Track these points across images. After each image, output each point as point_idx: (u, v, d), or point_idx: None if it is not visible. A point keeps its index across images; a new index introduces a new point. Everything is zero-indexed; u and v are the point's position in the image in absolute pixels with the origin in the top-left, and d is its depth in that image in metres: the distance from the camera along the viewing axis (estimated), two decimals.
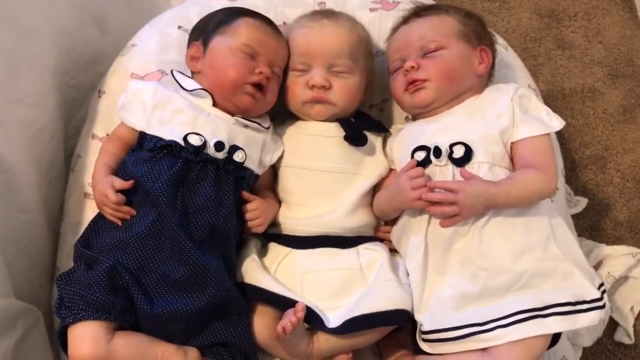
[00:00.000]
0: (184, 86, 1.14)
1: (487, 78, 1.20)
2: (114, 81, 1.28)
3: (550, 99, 1.72)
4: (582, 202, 1.54)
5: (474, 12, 1.23)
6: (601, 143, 1.69)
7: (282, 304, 1.07)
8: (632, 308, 1.44)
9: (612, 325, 1.44)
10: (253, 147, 1.14)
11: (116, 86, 1.26)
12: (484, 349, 1.01)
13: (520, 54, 1.45)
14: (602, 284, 1.07)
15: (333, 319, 1.07)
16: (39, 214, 1.22)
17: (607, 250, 1.46)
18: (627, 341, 1.44)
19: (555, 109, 1.14)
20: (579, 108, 1.73)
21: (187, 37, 1.24)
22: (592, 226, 1.58)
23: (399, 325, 1.09)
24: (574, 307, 1.02)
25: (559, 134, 1.14)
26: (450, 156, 1.08)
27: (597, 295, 1.03)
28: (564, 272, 1.04)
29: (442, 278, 1.07)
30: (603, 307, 1.03)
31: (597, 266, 1.43)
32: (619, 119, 1.72)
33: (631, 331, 1.44)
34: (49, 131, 1.26)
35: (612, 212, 1.60)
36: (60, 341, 1.01)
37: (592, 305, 1.02)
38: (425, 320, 1.05)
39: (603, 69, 1.78)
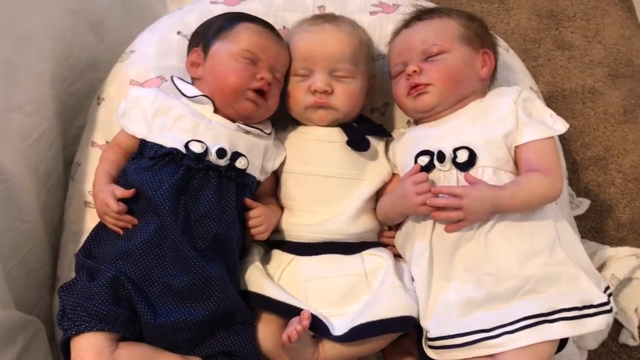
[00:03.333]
0: (184, 92, 1.13)
1: (490, 81, 1.20)
2: (113, 88, 1.26)
3: (551, 100, 1.72)
4: (585, 204, 1.54)
5: (476, 14, 1.22)
6: (602, 144, 1.68)
7: (286, 311, 1.06)
8: (636, 309, 1.43)
9: (617, 327, 1.43)
10: (255, 153, 1.13)
11: (115, 93, 1.25)
12: (491, 355, 1.00)
13: (520, 55, 1.45)
14: (607, 287, 1.06)
15: (338, 327, 1.06)
16: (38, 223, 1.20)
17: (610, 251, 1.45)
18: (632, 343, 1.43)
19: (555, 110, 1.13)
20: (579, 109, 1.73)
21: (186, 42, 1.23)
22: (594, 228, 1.58)
23: (405, 332, 1.08)
24: (581, 311, 1.01)
25: (560, 135, 1.13)
26: (454, 161, 1.07)
27: (604, 299, 1.02)
28: (570, 276, 1.03)
29: (448, 284, 1.06)
30: (610, 311, 1.02)
31: (600, 268, 1.42)
32: (619, 119, 1.71)
33: (636, 333, 1.42)
34: (48, 139, 1.24)
35: (615, 213, 1.60)
36: (63, 353, 1.00)
37: (599, 309, 1.01)
38: (431, 326, 1.04)
39: (603, 70, 1.78)
